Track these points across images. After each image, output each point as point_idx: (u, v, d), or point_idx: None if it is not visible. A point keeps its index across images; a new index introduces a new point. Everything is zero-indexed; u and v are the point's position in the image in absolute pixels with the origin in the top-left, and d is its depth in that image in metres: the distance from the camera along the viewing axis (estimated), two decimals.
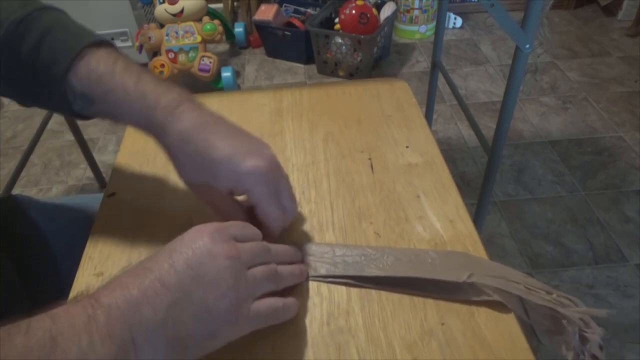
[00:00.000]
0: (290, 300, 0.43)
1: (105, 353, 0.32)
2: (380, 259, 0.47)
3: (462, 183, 1.69)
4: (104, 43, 0.48)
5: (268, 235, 0.47)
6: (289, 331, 0.43)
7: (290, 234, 0.52)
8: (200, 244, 0.38)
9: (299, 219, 0.53)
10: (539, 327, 0.42)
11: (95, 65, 0.45)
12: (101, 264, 0.50)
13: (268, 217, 0.47)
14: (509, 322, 0.42)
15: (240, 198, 0.49)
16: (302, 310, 0.45)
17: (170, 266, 0.36)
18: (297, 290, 0.46)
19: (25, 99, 0.51)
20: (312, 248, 0.49)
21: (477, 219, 1.31)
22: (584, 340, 0.41)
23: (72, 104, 0.48)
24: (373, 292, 0.46)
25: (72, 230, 0.67)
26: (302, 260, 0.48)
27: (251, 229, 0.43)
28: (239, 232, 0.41)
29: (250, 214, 0.48)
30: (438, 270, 0.46)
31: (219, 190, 0.46)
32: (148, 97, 0.45)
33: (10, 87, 0.49)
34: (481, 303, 0.44)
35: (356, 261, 0.47)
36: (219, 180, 0.45)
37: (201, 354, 0.37)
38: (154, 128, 0.46)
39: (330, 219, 0.53)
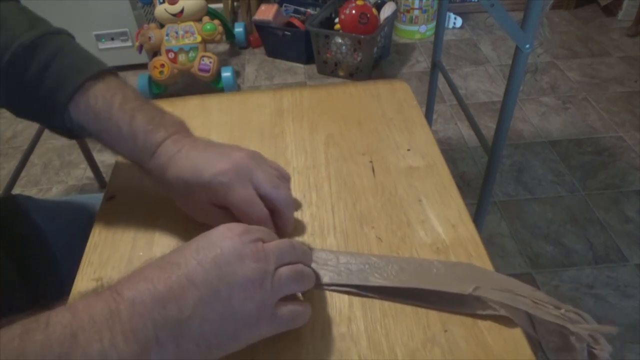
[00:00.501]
0: (307, 306, 0.42)
1: (128, 351, 0.32)
2: (384, 268, 0.47)
3: (462, 183, 1.69)
4: (107, 72, 0.50)
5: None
6: (290, 338, 0.43)
7: (291, 237, 0.51)
8: (229, 244, 0.38)
9: (300, 223, 0.53)
10: (547, 344, 0.42)
11: (94, 101, 0.48)
12: (100, 268, 0.50)
13: (252, 219, 0.46)
14: (513, 330, 0.42)
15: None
16: None
17: (198, 263, 0.36)
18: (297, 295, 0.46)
19: (24, 116, 0.53)
20: (315, 254, 0.48)
21: (477, 219, 1.31)
22: (592, 357, 0.41)
23: (70, 130, 0.50)
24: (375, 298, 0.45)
25: (72, 230, 0.67)
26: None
27: (273, 235, 0.43)
28: (266, 235, 0.41)
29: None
30: (442, 281, 0.45)
31: (199, 208, 0.49)
32: (138, 138, 0.48)
33: (11, 104, 0.51)
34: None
35: (360, 269, 0.47)
36: (197, 196, 0.47)
37: (223, 353, 0.37)
38: (142, 167, 0.49)
39: (331, 223, 0.53)
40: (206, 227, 0.41)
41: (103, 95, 0.48)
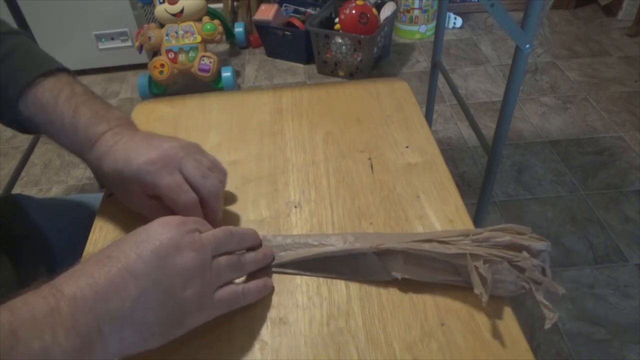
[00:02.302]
0: (250, 285, 0.44)
1: (70, 344, 0.32)
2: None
3: (462, 183, 1.69)
4: (60, 70, 0.52)
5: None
6: (288, 332, 0.43)
7: (290, 233, 0.52)
8: (167, 235, 0.39)
9: (299, 219, 0.53)
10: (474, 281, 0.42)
11: (41, 94, 0.50)
12: None
13: (180, 206, 0.47)
14: (509, 323, 0.42)
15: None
16: (301, 311, 0.45)
17: (138, 256, 0.37)
18: (281, 285, 0.46)
19: None
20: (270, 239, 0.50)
21: (477, 219, 1.31)
22: (520, 270, 0.41)
23: (22, 123, 0.52)
24: (373, 292, 0.45)
25: (72, 230, 0.67)
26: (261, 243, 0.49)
27: (209, 226, 0.44)
28: (203, 224, 0.43)
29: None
30: (351, 247, 0.46)
31: (133, 198, 0.49)
32: (79, 130, 0.49)
33: None
34: (481, 306, 0.43)
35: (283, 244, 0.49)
36: (130, 186, 0.48)
37: (167, 339, 0.38)
38: (83, 159, 0.51)
39: (330, 219, 0.53)
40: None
41: (51, 89, 0.50)
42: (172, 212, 0.48)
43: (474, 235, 0.44)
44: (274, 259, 0.48)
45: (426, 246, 0.43)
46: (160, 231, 0.39)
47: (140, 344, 0.36)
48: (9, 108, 0.51)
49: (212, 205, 0.49)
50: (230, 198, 0.56)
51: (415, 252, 0.43)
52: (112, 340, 0.34)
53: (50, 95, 0.50)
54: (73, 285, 0.35)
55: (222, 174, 0.52)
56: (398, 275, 0.44)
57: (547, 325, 0.39)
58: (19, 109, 0.51)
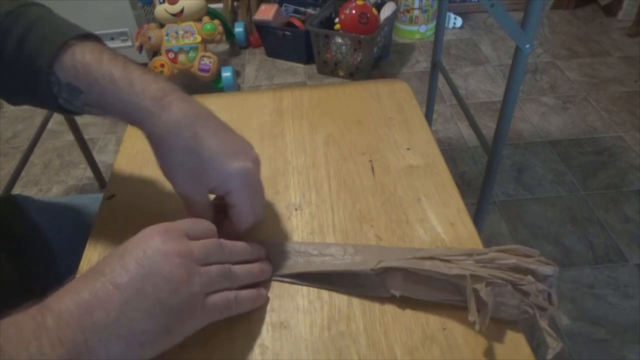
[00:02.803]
0: (243, 293, 0.43)
1: (56, 356, 0.32)
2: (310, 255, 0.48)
3: (462, 183, 1.69)
4: (90, 36, 0.47)
5: (232, 233, 0.47)
6: (289, 336, 0.43)
7: (291, 237, 0.52)
8: (151, 244, 0.38)
9: (300, 222, 0.53)
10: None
11: (81, 56, 0.44)
12: None
13: (241, 218, 0.46)
14: (511, 327, 0.42)
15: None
16: (302, 314, 0.44)
17: (122, 267, 0.37)
18: (282, 289, 0.46)
19: (11, 95, 0.50)
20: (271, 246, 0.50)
21: (477, 219, 1.31)
22: (524, 294, 0.40)
23: (57, 97, 0.46)
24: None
25: (72, 230, 0.67)
26: (264, 257, 0.48)
27: (204, 224, 0.43)
28: (191, 228, 0.41)
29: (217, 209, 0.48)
30: (349, 263, 0.46)
31: (197, 187, 0.45)
32: (135, 85, 0.43)
33: None
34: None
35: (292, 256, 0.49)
36: (204, 178, 0.45)
37: (160, 349, 0.38)
38: (140, 116, 0.44)
39: (330, 222, 0.53)
40: None
41: (90, 51, 0.45)
42: (212, 209, 0.47)
43: (478, 255, 0.42)
44: (272, 275, 0.47)
45: (428, 264, 0.42)
46: (145, 240, 0.39)
47: (131, 354, 0.36)
48: (42, 77, 0.45)
49: (236, 231, 0.48)
50: None
51: (416, 270, 0.43)
52: (99, 352, 0.34)
53: (90, 56, 0.44)
54: (59, 301, 0.35)
55: (262, 207, 0.51)
56: (397, 293, 0.43)
57: (550, 355, 0.38)
58: (55, 77, 0.45)
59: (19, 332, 0.32)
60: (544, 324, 0.39)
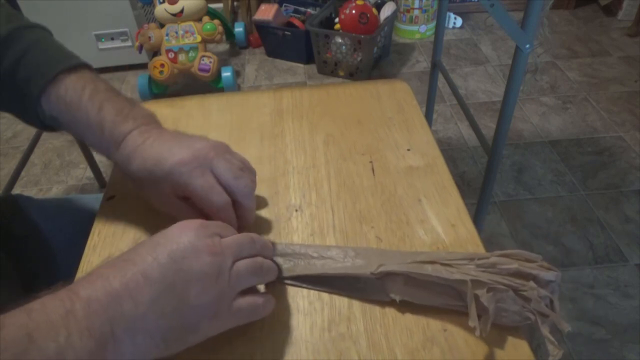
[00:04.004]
0: (269, 297, 0.43)
1: (84, 347, 0.32)
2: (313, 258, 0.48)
3: (462, 183, 1.69)
4: (80, 66, 0.51)
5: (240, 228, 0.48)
6: (289, 337, 0.43)
7: (291, 238, 0.52)
8: (185, 239, 0.38)
9: (300, 222, 0.53)
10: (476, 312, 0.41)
11: (64, 93, 0.48)
12: None
13: (212, 207, 0.47)
14: (512, 329, 0.42)
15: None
16: (302, 316, 0.44)
17: (154, 259, 0.36)
18: (282, 290, 0.46)
19: (1, 108, 0.53)
20: (280, 247, 0.49)
21: (477, 219, 1.31)
22: (526, 300, 0.40)
23: (44, 121, 0.51)
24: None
25: (72, 230, 0.67)
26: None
27: (232, 230, 0.43)
28: (222, 230, 0.42)
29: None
30: (350, 267, 0.46)
31: (168, 199, 0.48)
32: (105, 129, 0.48)
33: None
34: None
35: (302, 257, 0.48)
36: (160, 187, 0.47)
37: (182, 347, 0.38)
38: (112, 157, 0.50)
39: (331, 223, 0.53)
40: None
41: (74, 87, 0.49)
42: (201, 213, 0.48)
43: (480, 259, 0.42)
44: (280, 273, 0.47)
45: (429, 268, 0.42)
46: (179, 235, 0.38)
47: (155, 350, 0.36)
48: (31, 106, 0.49)
49: (245, 205, 0.49)
50: None
51: (417, 275, 0.42)
52: (125, 345, 0.34)
53: (73, 93, 0.49)
54: (88, 288, 0.34)
55: (252, 173, 0.51)
56: (397, 297, 0.43)
57: None
58: (41, 107, 0.49)
59: (48, 319, 0.32)
60: (545, 331, 0.39)
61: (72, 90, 0.49)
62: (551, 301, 0.40)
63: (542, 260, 0.42)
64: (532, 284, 0.40)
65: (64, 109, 0.49)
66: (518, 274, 0.41)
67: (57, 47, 0.52)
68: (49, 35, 0.53)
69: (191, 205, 0.48)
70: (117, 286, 0.35)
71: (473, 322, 0.39)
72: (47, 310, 0.33)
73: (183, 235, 0.38)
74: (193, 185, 0.46)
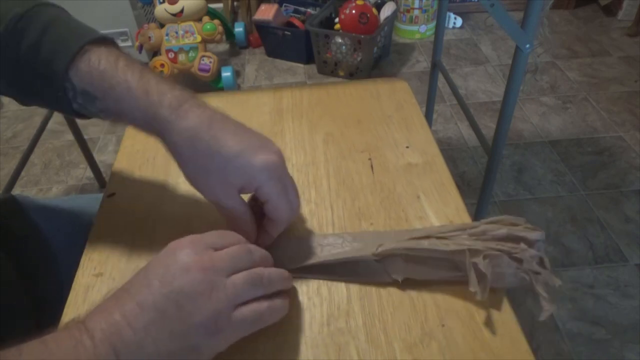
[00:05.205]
0: (276, 302, 0.41)
1: None
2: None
3: (462, 183, 1.69)
4: (106, 40, 0.47)
5: (267, 236, 0.47)
6: (288, 332, 0.43)
7: (290, 234, 0.52)
8: (173, 259, 0.38)
9: (299, 219, 0.53)
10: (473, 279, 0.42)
11: (97, 62, 0.44)
12: (101, 264, 0.50)
13: (278, 212, 0.45)
14: (510, 324, 0.42)
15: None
16: (301, 311, 0.45)
17: (146, 287, 0.37)
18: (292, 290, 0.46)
19: (25, 97, 0.50)
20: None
21: (477, 218, 1.30)
22: (518, 261, 0.42)
23: (72, 102, 0.46)
24: (373, 292, 0.45)
25: (72, 230, 0.67)
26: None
27: (232, 236, 0.42)
28: (218, 241, 0.41)
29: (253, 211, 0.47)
30: (349, 251, 0.46)
31: (226, 189, 0.45)
32: (151, 94, 0.43)
33: (10, 84, 0.48)
34: (481, 307, 0.43)
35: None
36: (231, 178, 0.44)
37: None
38: (158, 125, 0.44)
39: (330, 220, 0.53)
40: (202, 221, 0.41)
41: (106, 57, 0.45)
42: (252, 214, 0.47)
43: (471, 229, 0.44)
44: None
45: (425, 243, 0.43)
46: (168, 256, 0.38)
47: None
48: (58, 83, 0.44)
49: (280, 228, 0.47)
50: None
51: (415, 252, 0.43)
52: None
53: (106, 62, 0.44)
54: (94, 320, 0.36)
55: (297, 198, 0.49)
56: (399, 277, 0.44)
57: (543, 317, 0.40)
58: (70, 82, 0.44)
59: (60, 349, 0.34)
60: (539, 288, 0.41)
61: (104, 59, 0.44)
62: (541, 259, 0.42)
63: (525, 222, 0.44)
64: (523, 245, 0.42)
65: (98, 77, 0.44)
66: (508, 238, 0.43)
67: (78, 23, 0.48)
68: (66, 12, 0.50)
69: (243, 200, 0.46)
70: (117, 318, 0.36)
71: (474, 287, 0.41)
72: (59, 341, 0.35)
73: (171, 255, 0.38)
74: (273, 189, 0.44)
